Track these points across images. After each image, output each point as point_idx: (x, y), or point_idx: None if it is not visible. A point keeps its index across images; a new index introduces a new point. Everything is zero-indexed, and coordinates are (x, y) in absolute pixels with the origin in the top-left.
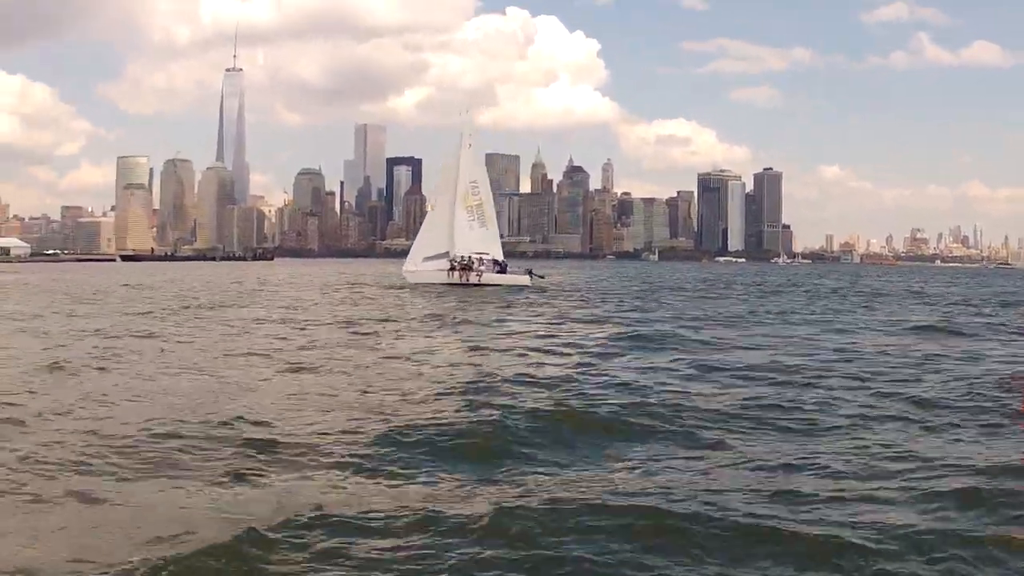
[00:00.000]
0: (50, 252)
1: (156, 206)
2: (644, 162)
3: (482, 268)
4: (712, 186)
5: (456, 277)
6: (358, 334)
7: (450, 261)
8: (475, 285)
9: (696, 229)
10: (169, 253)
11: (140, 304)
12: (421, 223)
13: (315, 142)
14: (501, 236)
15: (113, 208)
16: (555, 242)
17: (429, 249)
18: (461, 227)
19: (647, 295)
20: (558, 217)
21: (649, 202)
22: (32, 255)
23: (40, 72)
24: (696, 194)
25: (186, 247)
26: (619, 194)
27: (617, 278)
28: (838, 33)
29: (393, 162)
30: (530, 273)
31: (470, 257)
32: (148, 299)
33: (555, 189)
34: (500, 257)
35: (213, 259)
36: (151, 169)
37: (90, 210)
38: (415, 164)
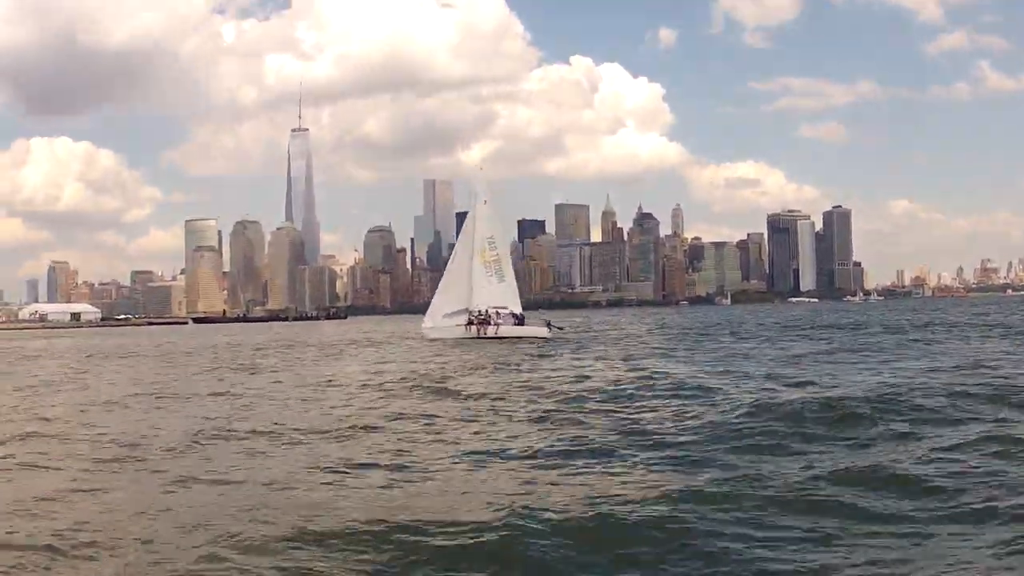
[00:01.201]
0: (121, 317)
1: (226, 268)
2: (713, 205)
3: (500, 321)
4: (782, 227)
5: (474, 332)
6: None
7: (468, 315)
8: (493, 338)
9: (767, 271)
10: (241, 315)
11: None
12: None
13: (384, 199)
14: (572, 287)
15: (183, 272)
16: (627, 290)
17: (448, 306)
18: (479, 282)
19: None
20: (630, 265)
21: (720, 246)
22: (103, 320)
23: (106, 139)
24: (766, 235)
25: (258, 308)
26: (689, 239)
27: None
28: (900, 65)
29: (462, 216)
30: (548, 324)
31: (487, 311)
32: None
33: (626, 237)
34: (518, 310)
35: (285, 319)
36: (220, 232)
37: (160, 274)
38: None
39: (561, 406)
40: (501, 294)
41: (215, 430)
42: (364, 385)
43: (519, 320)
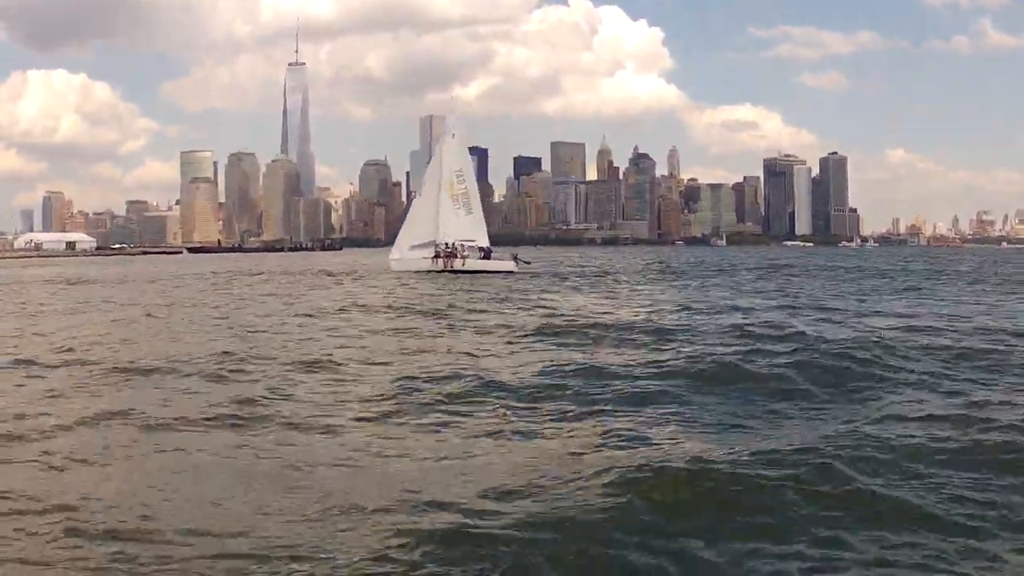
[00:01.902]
0: (116, 246)
1: (221, 199)
2: (710, 148)
3: (466, 254)
4: (778, 171)
5: (440, 264)
6: None
7: (435, 248)
8: (460, 272)
9: (763, 214)
10: (236, 245)
11: None
12: (488, 211)
13: (381, 135)
14: (567, 224)
15: (178, 202)
16: (623, 228)
17: (415, 238)
18: (446, 215)
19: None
20: (625, 204)
21: (716, 187)
22: (97, 249)
23: (103, 73)
24: (762, 179)
25: (253, 239)
26: (686, 180)
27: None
28: (901, 17)
29: None
30: (515, 259)
31: (454, 244)
32: None
33: (621, 176)
34: (486, 243)
35: (280, 250)
36: (215, 163)
37: (155, 204)
38: (480, 153)
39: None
40: (469, 227)
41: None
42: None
43: (486, 254)
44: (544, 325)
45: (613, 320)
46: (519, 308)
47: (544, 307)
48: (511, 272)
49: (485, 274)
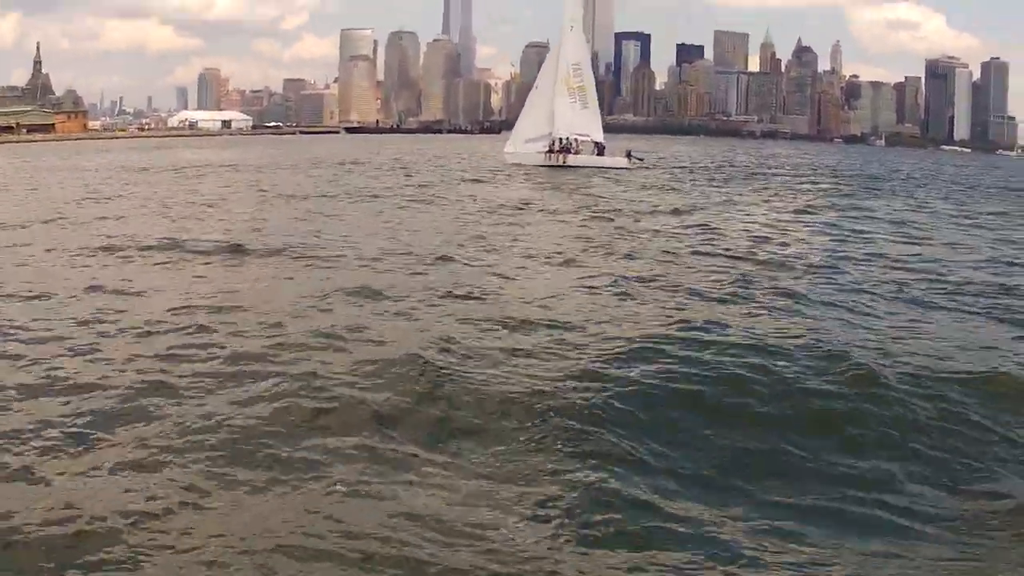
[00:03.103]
0: (271, 124)
1: (380, 78)
2: (872, 46)
3: (580, 149)
4: (939, 73)
5: (554, 159)
6: None
7: (549, 144)
8: (572, 167)
9: (922, 116)
10: (395, 125)
11: None
12: (648, 98)
13: (544, 15)
14: (728, 115)
15: (336, 80)
16: (782, 123)
17: (531, 131)
18: (562, 109)
19: None
20: (786, 98)
21: (877, 86)
22: (253, 127)
23: None
24: (923, 80)
25: (411, 119)
26: (847, 77)
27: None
28: None
29: (622, 36)
30: (629, 155)
31: (568, 139)
32: None
33: (783, 69)
34: (600, 138)
35: (439, 131)
36: (375, 41)
37: (312, 82)
38: (644, 40)
39: None
40: (584, 121)
41: None
42: None
43: (600, 149)
44: None
45: None
46: None
47: None
48: (624, 168)
49: (600, 168)
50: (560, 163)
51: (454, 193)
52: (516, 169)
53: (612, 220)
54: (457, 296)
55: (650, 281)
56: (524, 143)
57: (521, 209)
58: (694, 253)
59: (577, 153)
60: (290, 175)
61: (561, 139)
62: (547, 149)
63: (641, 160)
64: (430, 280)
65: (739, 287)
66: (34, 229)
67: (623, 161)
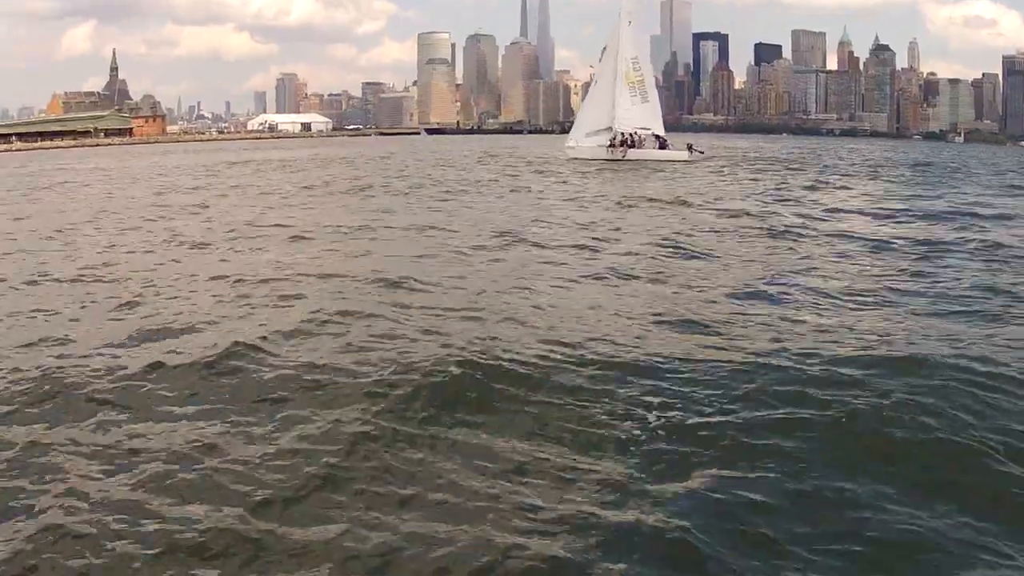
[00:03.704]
0: (351, 127)
1: (459, 81)
2: (949, 43)
3: (644, 144)
4: (1017, 69)
5: (616, 153)
6: None
7: (611, 138)
8: (634, 160)
9: (1000, 112)
10: (475, 127)
11: None
12: (727, 98)
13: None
14: (807, 113)
15: (415, 83)
16: (861, 120)
17: (591, 125)
18: (623, 103)
19: None
20: (865, 95)
21: (954, 83)
22: (333, 130)
23: None
24: (1001, 77)
25: (491, 121)
26: (925, 74)
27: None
28: None
29: (700, 37)
30: (690, 148)
31: (630, 134)
32: None
33: (862, 67)
34: (661, 132)
35: (520, 132)
36: (453, 45)
37: (391, 86)
38: (721, 40)
39: None
40: (644, 115)
41: None
42: None
43: (662, 143)
44: None
45: None
46: None
47: None
48: (687, 162)
49: (660, 162)
50: (621, 157)
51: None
52: (579, 163)
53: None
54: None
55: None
56: (585, 137)
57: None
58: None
59: (640, 146)
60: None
61: (622, 133)
62: (608, 143)
63: (702, 152)
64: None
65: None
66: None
67: (684, 154)
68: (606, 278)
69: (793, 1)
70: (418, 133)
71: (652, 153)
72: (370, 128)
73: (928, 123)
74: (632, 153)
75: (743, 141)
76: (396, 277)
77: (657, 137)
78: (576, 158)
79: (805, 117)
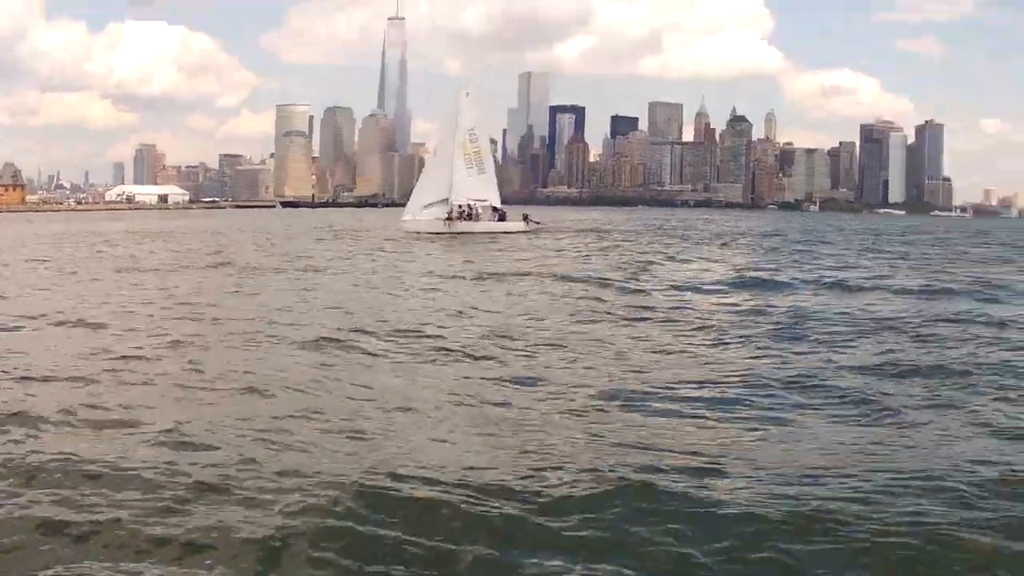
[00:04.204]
0: (208, 200)
1: (315, 154)
2: (807, 112)
3: (481, 215)
4: (874, 137)
5: (452, 226)
6: None
7: (448, 211)
8: (471, 233)
9: (857, 181)
10: (330, 200)
11: None
12: (582, 170)
13: (478, 91)
14: (662, 185)
15: (272, 156)
16: (716, 191)
17: (428, 197)
18: (459, 174)
19: None
20: (720, 166)
21: (811, 152)
22: (190, 202)
23: (202, 23)
24: (858, 145)
25: (346, 194)
26: (781, 144)
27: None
28: None
29: (556, 110)
30: (526, 219)
31: (468, 205)
32: None
33: (718, 138)
34: (498, 203)
35: (375, 206)
36: (311, 117)
37: (248, 158)
38: (578, 112)
39: None
40: (480, 186)
41: None
42: None
43: (501, 215)
44: None
45: None
46: None
47: None
48: (523, 232)
49: (497, 234)
50: (458, 229)
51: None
52: (414, 237)
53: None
54: None
55: None
56: (422, 209)
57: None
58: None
59: (477, 219)
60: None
61: (459, 205)
62: (446, 216)
63: (538, 223)
64: None
65: None
66: None
67: (521, 225)
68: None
69: (651, 73)
70: (274, 206)
71: (489, 225)
72: (226, 200)
73: (783, 193)
74: (469, 225)
75: (596, 213)
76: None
77: (495, 209)
78: (413, 231)
79: (660, 188)
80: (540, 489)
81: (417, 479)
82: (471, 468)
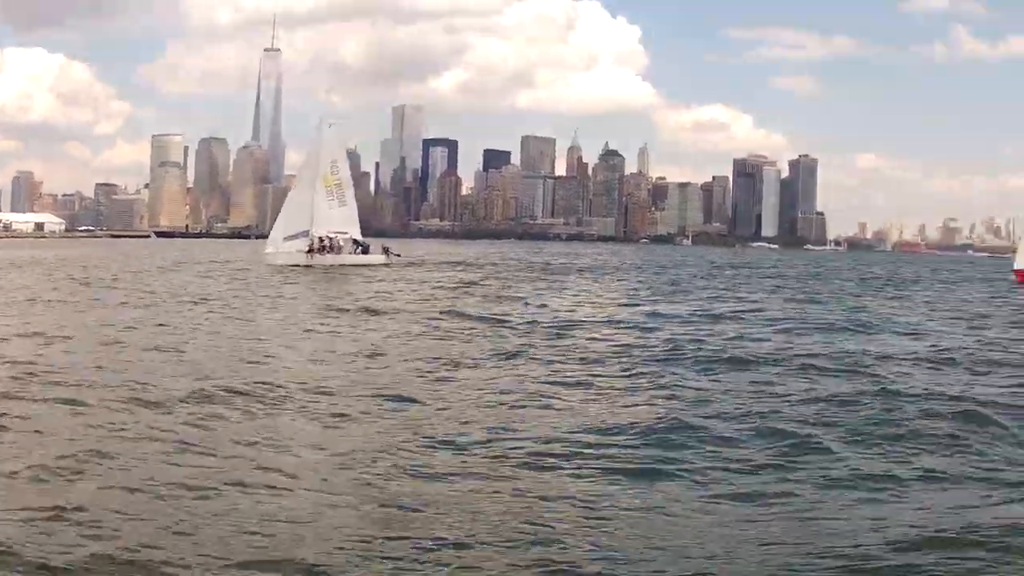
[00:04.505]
0: (83, 229)
1: (190, 184)
2: (681, 147)
3: (342, 248)
4: (748, 171)
5: (314, 259)
6: None
7: (309, 243)
8: (334, 266)
9: (730, 215)
10: (204, 231)
11: None
12: (455, 203)
13: (353, 124)
14: (535, 218)
15: (147, 186)
16: (589, 224)
17: (290, 228)
18: (321, 206)
19: None
20: (593, 200)
21: (684, 186)
22: (66, 231)
23: (80, 52)
24: (731, 179)
25: (220, 224)
26: (654, 178)
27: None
28: (879, 22)
29: (430, 143)
30: (386, 252)
31: (329, 238)
32: None
33: (591, 172)
34: (359, 236)
35: (248, 237)
36: (186, 148)
37: (124, 187)
38: (451, 146)
39: None
40: (342, 219)
41: None
42: None
43: (364, 247)
44: None
45: None
46: None
47: None
48: (384, 264)
49: (357, 267)
50: (320, 262)
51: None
52: (274, 270)
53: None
54: None
55: None
56: (284, 241)
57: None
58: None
59: (339, 251)
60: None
61: (320, 238)
62: (307, 248)
63: (398, 256)
64: None
65: None
66: None
67: (381, 258)
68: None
69: (525, 107)
70: (149, 235)
71: (349, 258)
72: (102, 230)
73: (656, 226)
74: (331, 258)
75: (465, 247)
76: None
77: (356, 242)
78: (274, 264)
79: (532, 222)
80: None
81: None
82: None
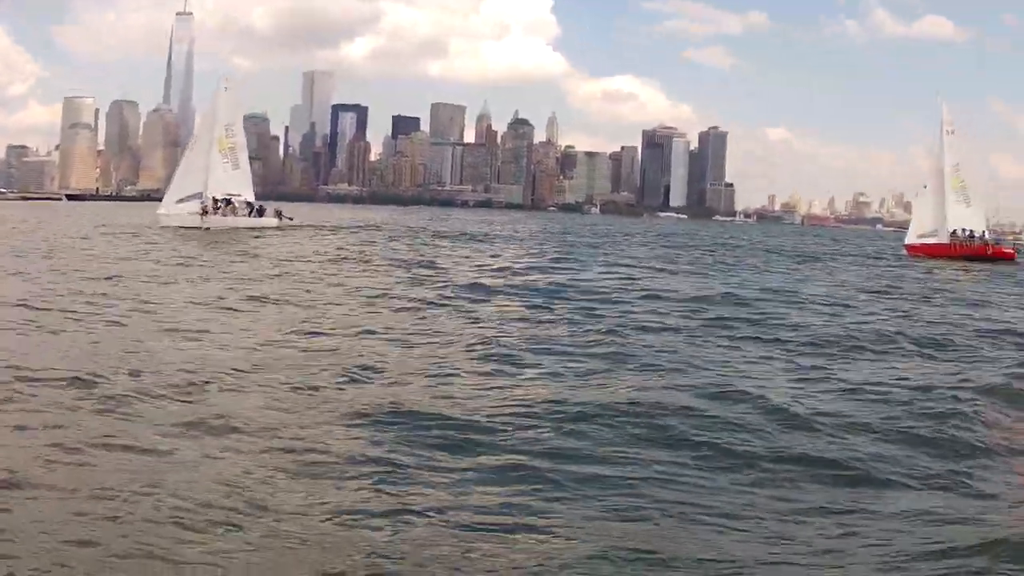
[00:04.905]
0: None
1: (100, 147)
2: (591, 117)
3: (236, 211)
4: (656, 142)
5: (207, 220)
6: None
7: (202, 204)
8: (223, 228)
9: (639, 184)
10: (113, 193)
11: None
12: (363, 169)
13: (263, 87)
14: (443, 185)
15: (58, 147)
16: (497, 192)
17: (183, 191)
18: (215, 169)
19: None
20: (501, 168)
21: (592, 156)
22: None
23: None
24: (640, 149)
25: (130, 188)
26: (563, 147)
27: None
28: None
29: (339, 108)
30: (279, 215)
31: (224, 200)
32: None
33: (499, 141)
34: (251, 198)
35: (159, 199)
36: (97, 110)
37: (35, 149)
38: (361, 111)
39: None
40: (235, 181)
41: None
42: None
43: (259, 210)
44: None
45: None
46: None
47: None
48: (275, 228)
49: (250, 230)
50: (212, 224)
51: None
52: (168, 232)
53: None
54: None
55: None
56: (176, 203)
57: None
58: None
59: (234, 214)
60: None
61: (214, 199)
62: (201, 211)
63: (291, 220)
64: None
65: None
66: None
67: (273, 221)
68: None
69: (435, 75)
70: (60, 199)
71: (242, 221)
72: (13, 192)
73: (564, 195)
74: (223, 221)
75: (373, 212)
76: None
77: (249, 203)
78: (168, 226)
79: (440, 188)
80: None
81: None
82: None
